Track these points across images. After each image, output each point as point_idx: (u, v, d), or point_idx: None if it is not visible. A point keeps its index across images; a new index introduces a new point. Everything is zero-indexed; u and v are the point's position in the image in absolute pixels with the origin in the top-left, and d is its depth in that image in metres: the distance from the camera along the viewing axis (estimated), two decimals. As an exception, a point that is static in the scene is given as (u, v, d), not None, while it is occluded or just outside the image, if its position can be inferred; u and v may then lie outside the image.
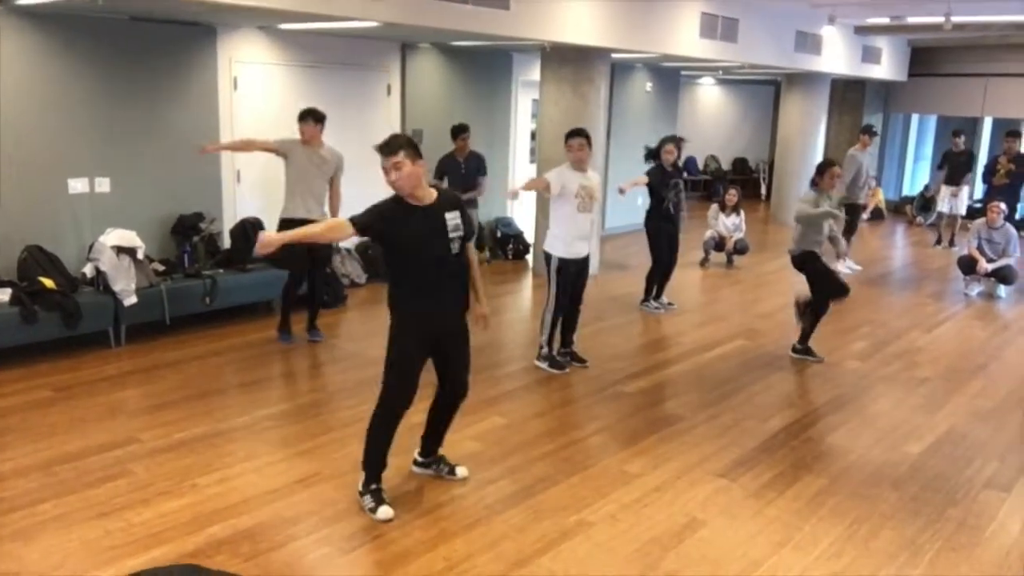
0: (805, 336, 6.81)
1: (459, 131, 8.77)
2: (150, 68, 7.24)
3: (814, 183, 6.63)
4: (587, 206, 6.17)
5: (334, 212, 6.78)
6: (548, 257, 6.24)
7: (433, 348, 4.14)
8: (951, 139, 12.65)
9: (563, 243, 6.17)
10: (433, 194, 3.98)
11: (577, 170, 6.15)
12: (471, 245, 4.24)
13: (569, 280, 6.25)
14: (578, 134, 6.16)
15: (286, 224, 6.55)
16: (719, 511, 4.26)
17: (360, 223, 3.85)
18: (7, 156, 6.44)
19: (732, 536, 4.02)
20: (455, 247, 4.02)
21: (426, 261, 3.95)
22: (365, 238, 4.23)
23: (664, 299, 8.38)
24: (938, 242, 12.69)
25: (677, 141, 8.01)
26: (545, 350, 6.37)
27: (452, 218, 3.99)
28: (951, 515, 4.29)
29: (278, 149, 6.64)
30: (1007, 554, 3.95)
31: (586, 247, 6.29)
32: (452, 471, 4.53)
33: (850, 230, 10.46)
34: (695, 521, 4.14)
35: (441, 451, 4.56)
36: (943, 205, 12.61)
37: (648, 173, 7.96)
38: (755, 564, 3.78)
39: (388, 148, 3.84)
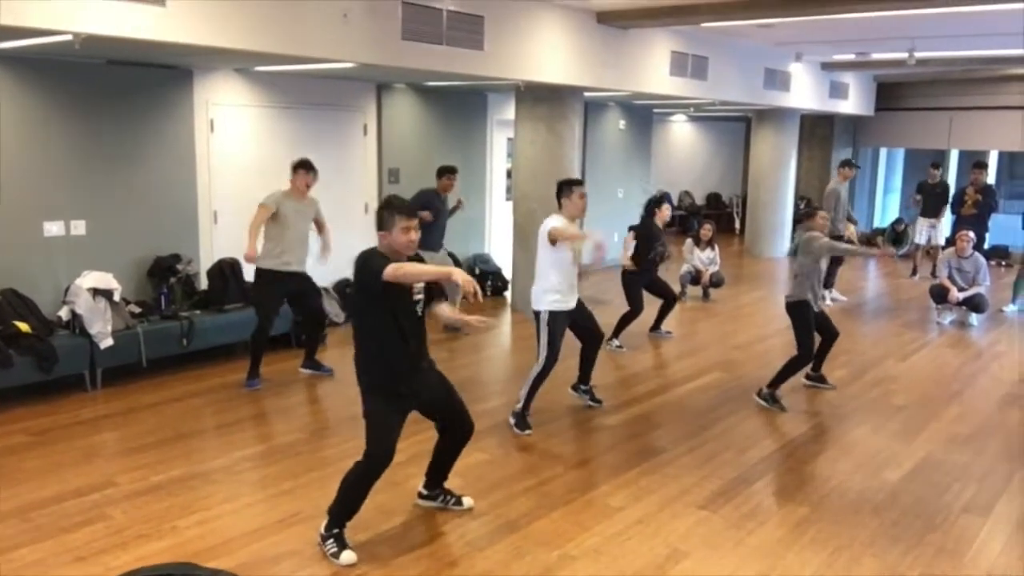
0: (775, 381, 6.52)
1: (447, 171, 8.67)
2: (127, 111, 7.27)
3: (807, 228, 6.72)
4: (579, 259, 5.97)
5: (328, 247, 6.91)
6: (537, 314, 5.88)
7: (416, 403, 4.16)
8: (928, 171, 12.85)
9: (557, 294, 5.82)
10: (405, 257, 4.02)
11: (571, 220, 5.91)
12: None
13: (562, 331, 5.92)
14: (581, 183, 5.98)
15: (274, 275, 6.58)
16: (701, 542, 4.26)
17: (384, 265, 3.82)
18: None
19: (714, 567, 4.03)
20: (419, 309, 4.08)
21: (401, 319, 3.97)
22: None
23: (663, 329, 8.77)
24: (913, 273, 12.82)
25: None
26: (519, 407, 5.92)
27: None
28: (931, 540, 4.33)
29: (273, 209, 6.52)
30: (987, 578, 3.98)
31: (575, 297, 5.98)
32: (459, 502, 4.57)
33: (836, 262, 10.56)
34: (677, 552, 4.14)
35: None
36: (920, 237, 12.71)
37: (640, 227, 8.17)
38: (738, 594, 3.79)
39: (414, 211, 4.00)
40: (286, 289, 6.71)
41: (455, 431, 4.38)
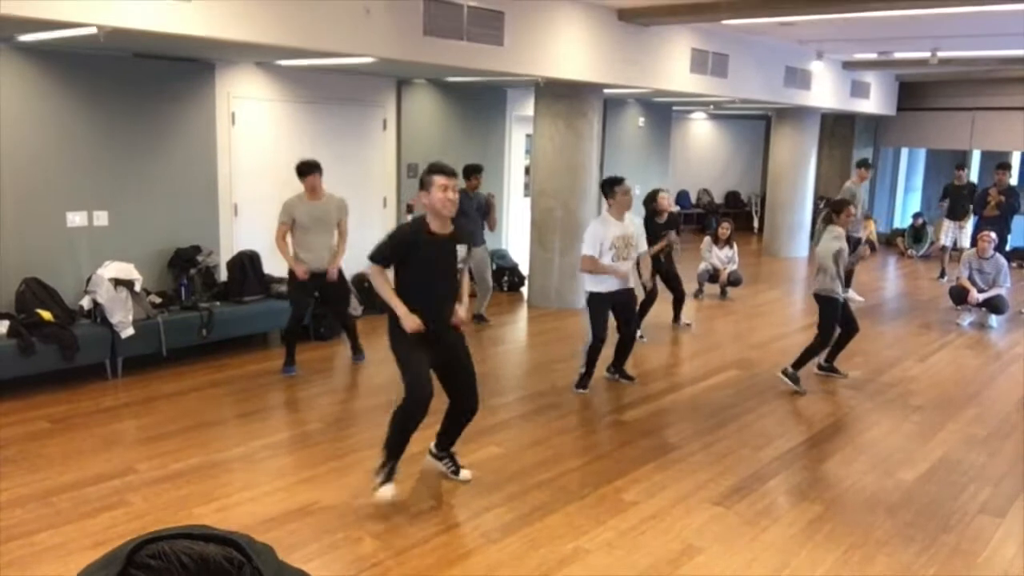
0: (798, 363, 6.80)
1: (474, 171, 8.86)
2: (149, 103, 7.34)
3: (829, 220, 6.84)
4: (624, 254, 6.28)
5: (340, 253, 6.82)
6: (585, 293, 6.43)
7: (435, 354, 4.43)
8: (954, 172, 12.70)
9: (595, 280, 6.27)
10: (451, 227, 4.39)
11: (616, 218, 6.26)
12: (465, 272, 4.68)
13: (606, 312, 6.32)
14: (622, 181, 6.31)
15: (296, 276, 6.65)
16: (715, 538, 4.27)
17: (379, 259, 4.37)
18: (6, 189, 6.51)
19: (728, 563, 4.03)
20: (458, 273, 4.51)
21: (431, 282, 4.38)
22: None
23: (683, 320, 8.96)
24: (942, 275, 12.39)
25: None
26: (581, 371, 6.52)
27: (462, 250, 4.47)
28: (945, 541, 4.31)
29: (289, 223, 6.60)
30: (1001, 579, 3.97)
31: (617, 282, 6.31)
32: (457, 471, 4.78)
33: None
34: (691, 548, 4.16)
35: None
36: (946, 239, 12.50)
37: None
38: (751, 590, 3.79)
39: (452, 171, 4.38)
40: (312, 287, 6.76)
41: (459, 403, 4.63)
